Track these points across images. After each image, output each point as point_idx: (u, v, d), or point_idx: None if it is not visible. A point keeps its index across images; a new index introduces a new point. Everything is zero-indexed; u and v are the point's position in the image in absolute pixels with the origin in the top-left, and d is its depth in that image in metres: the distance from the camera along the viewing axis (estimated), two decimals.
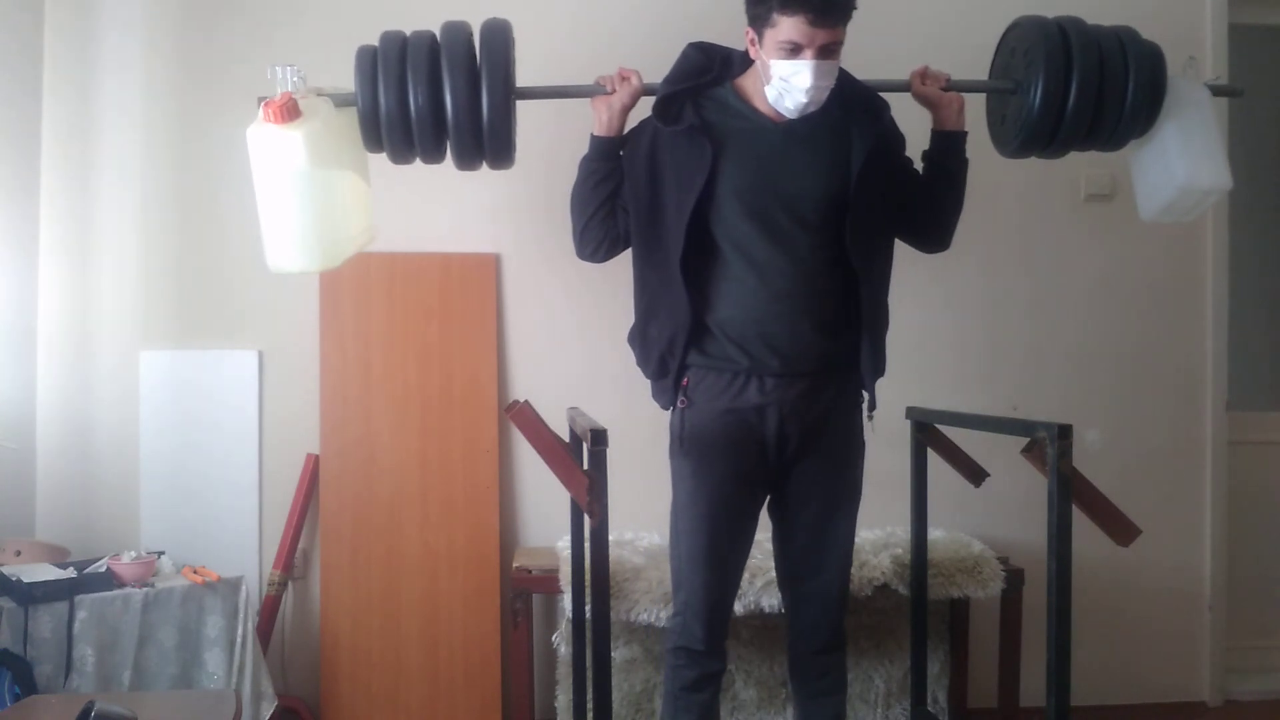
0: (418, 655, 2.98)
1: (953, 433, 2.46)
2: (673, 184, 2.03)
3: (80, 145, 3.02)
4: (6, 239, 2.86)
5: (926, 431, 2.48)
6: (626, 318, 3.05)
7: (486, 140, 2.05)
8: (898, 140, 2.15)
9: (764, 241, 2.01)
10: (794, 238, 2.02)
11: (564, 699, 2.74)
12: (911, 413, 2.52)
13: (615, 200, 2.11)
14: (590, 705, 2.03)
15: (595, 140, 2.11)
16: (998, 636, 2.81)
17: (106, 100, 3.03)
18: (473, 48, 2.04)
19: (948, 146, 2.13)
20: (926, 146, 2.17)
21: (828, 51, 1.94)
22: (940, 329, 3.11)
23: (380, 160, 3.11)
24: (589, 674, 2.03)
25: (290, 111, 1.92)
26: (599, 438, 1.90)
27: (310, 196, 1.98)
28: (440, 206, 3.09)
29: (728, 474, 2.07)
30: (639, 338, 2.16)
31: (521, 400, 2.03)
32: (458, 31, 2.05)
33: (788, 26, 1.91)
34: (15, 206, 2.90)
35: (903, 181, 2.14)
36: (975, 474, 2.45)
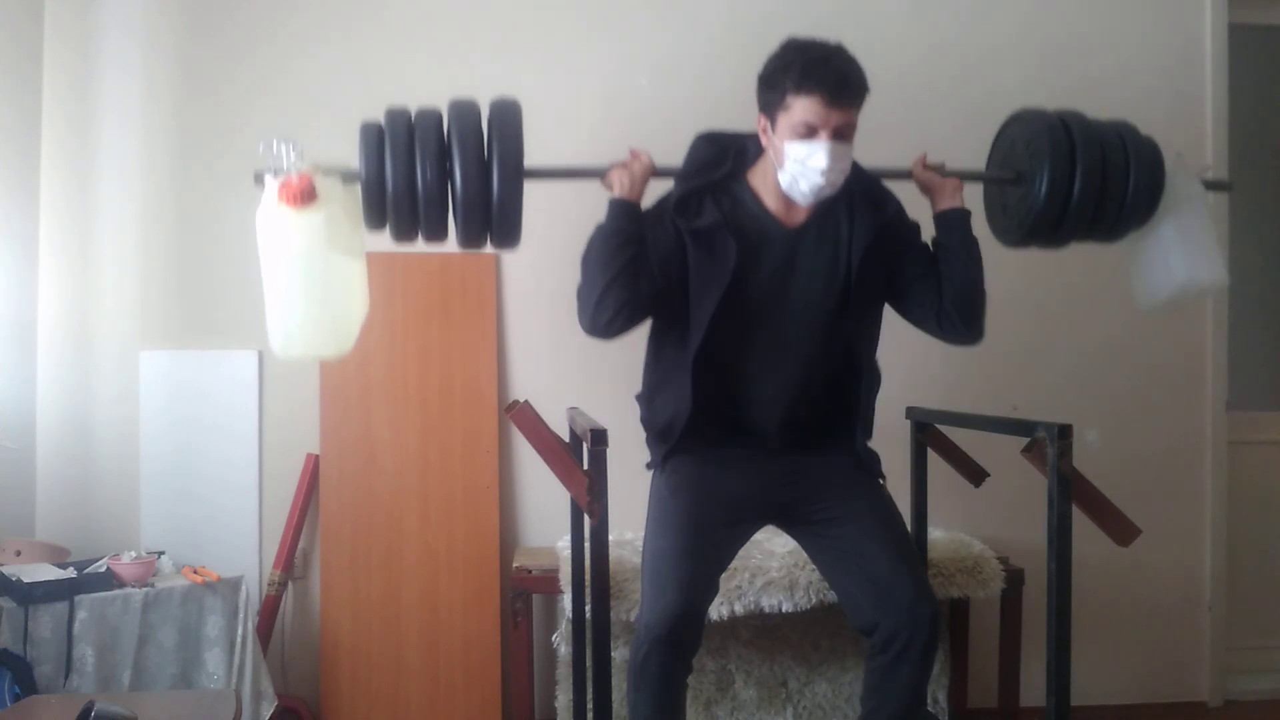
0: (418, 655, 2.98)
1: (953, 433, 2.46)
2: (696, 278, 2.03)
3: (80, 145, 3.02)
4: (6, 239, 2.86)
5: (926, 431, 2.48)
6: None
7: (495, 220, 2.01)
8: (907, 230, 2.13)
9: (771, 347, 2.07)
10: (800, 341, 2.08)
11: (564, 699, 2.74)
12: (911, 413, 2.52)
13: (639, 264, 2.00)
14: (590, 705, 2.03)
15: (618, 203, 2.04)
16: (998, 636, 2.81)
17: (106, 100, 3.03)
18: (480, 126, 2.00)
19: (948, 224, 2.11)
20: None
21: (842, 134, 1.94)
22: None
23: None
24: (589, 674, 2.03)
25: (309, 195, 1.88)
26: (599, 438, 1.90)
27: (323, 281, 1.94)
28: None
29: (716, 492, 2.08)
30: (646, 402, 2.20)
31: (521, 400, 2.03)
32: (467, 109, 2.01)
33: (802, 107, 1.92)
34: (15, 206, 2.90)
35: (919, 273, 2.11)
36: (975, 474, 2.45)
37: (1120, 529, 2.02)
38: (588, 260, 2.02)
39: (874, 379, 2.16)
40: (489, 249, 2.12)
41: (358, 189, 2.00)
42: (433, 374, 3.03)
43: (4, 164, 2.85)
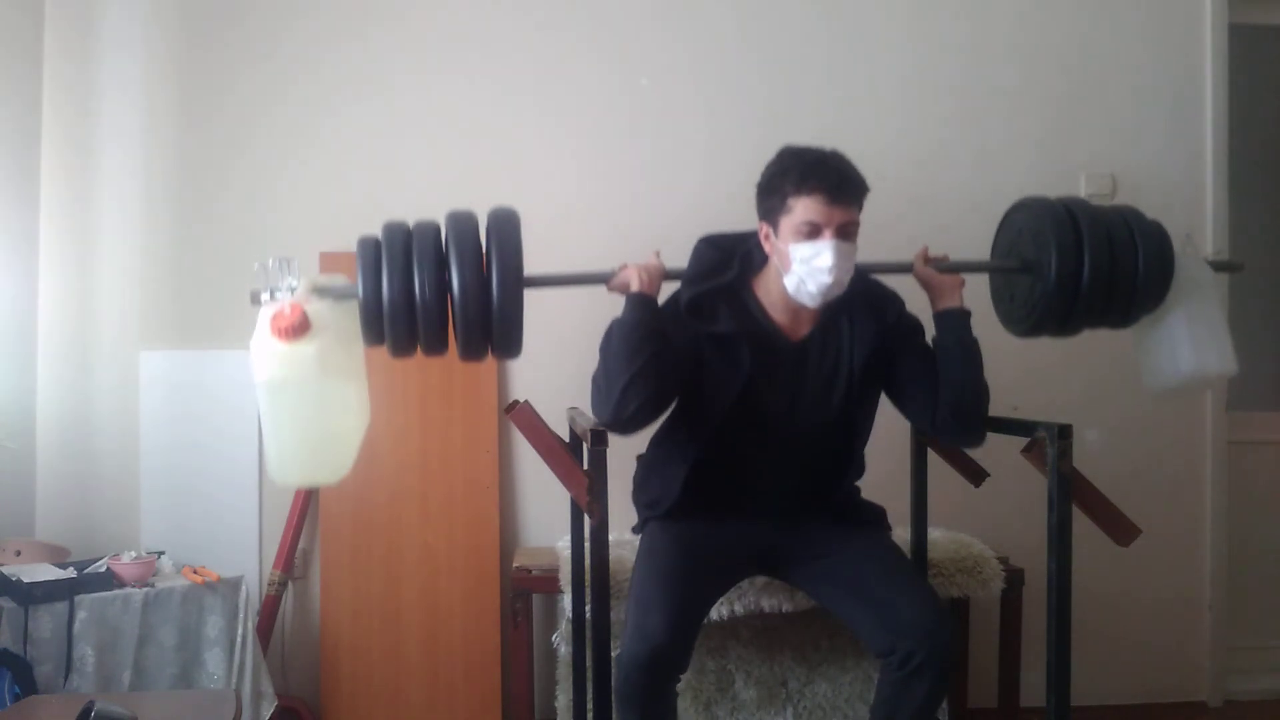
0: (418, 655, 2.98)
1: None
2: (709, 381, 2.05)
3: (80, 145, 3.02)
4: (6, 239, 2.86)
5: (927, 432, 2.48)
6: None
7: (496, 331, 1.97)
8: (908, 330, 2.14)
9: (769, 447, 2.11)
10: (798, 442, 2.12)
11: (564, 699, 2.74)
12: None
13: (662, 359, 1.97)
14: (590, 705, 2.03)
15: (638, 296, 2.01)
16: (998, 636, 2.81)
17: (106, 100, 3.03)
18: (479, 237, 1.97)
19: (947, 325, 2.10)
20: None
21: (846, 233, 1.95)
22: None
23: (380, 153, 3.14)
24: (589, 674, 2.03)
25: (301, 329, 1.85)
26: (599, 438, 1.91)
27: (318, 410, 1.92)
28: (440, 206, 3.08)
29: (704, 540, 2.10)
30: (641, 476, 2.25)
31: (521, 400, 2.03)
32: (465, 221, 1.98)
33: (804, 207, 1.93)
34: (15, 207, 2.90)
35: (917, 373, 2.11)
36: (975, 474, 2.45)
37: (1120, 529, 2.02)
38: (608, 352, 1.98)
39: (858, 471, 2.24)
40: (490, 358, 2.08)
41: (355, 305, 1.96)
42: (433, 374, 3.02)
43: (4, 165, 2.85)
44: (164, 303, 3.05)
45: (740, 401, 2.05)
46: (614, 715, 1.95)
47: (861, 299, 2.08)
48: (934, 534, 2.67)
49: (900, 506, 2.50)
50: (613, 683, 1.93)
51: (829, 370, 2.09)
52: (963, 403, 2.06)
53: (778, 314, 2.07)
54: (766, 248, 2.05)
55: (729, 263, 2.09)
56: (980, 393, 2.08)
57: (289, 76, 3.07)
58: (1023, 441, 1.98)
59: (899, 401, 2.17)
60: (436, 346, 1.99)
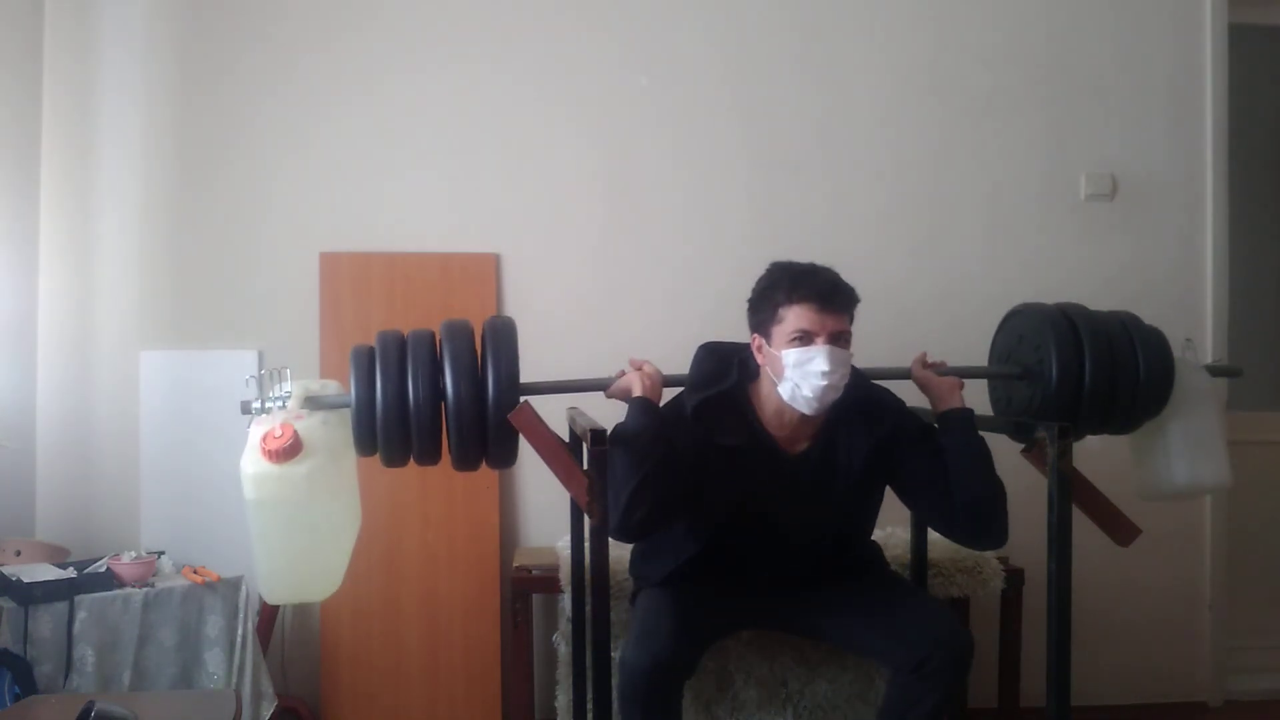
0: (418, 655, 2.98)
1: None
2: (712, 490, 2.03)
3: (80, 145, 3.02)
4: (6, 239, 2.86)
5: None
6: (627, 317, 3.07)
7: (491, 440, 1.96)
8: (911, 437, 2.09)
9: (767, 548, 2.11)
10: (797, 543, 2.11)
11: (564, 699, 2.74)
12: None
13: (668, 463, 1.93)
14: (590, 705, 2.03)
15: (641, 401, 1.99)
16: (998, 636, 2.81)
17: (106, 100, 3.03)
18: (474, 347, 1.96)
19: (949, 427, 2.08)
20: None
21: (838, 339, 1.95)
22: None
23: (381, 151, 3.13)
24: (589, 674, 2.03)
25: (293, 451, 1.85)
26: (599, 438, 1.90)
27: (309, 527, 1.92)
28: (440, 206, 3.09)
29: (708, 593, 2.09)
30: (640, 555, 2.23)
31: (521, 400, 2.03)
32: (460, 330, 1.97)
33: (795, 316, 1.94)
34: (15, 206, 2.90)
35: (925, 479, 2.06)
36: None
37: (1120, 529, 2.03)
38: (613, 459, 1.93)
39: (863, 549, 2.24)
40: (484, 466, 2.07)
41: (347, 414, 1.95)
42: None
43: (4, 164, 2.85)
44: (164, 303, 3.05)
45: (739, 508, 2.05)
46: (614, 715, 1.95)
47: (857, 409, 2.06)
48: (934, 534, 2.67)
49: (900, 506, 2.50)
50: (613, 683, 1.94)
51: (826, 482, 2.07)
52: (978, 503, 2.00)
53: (774, 428, 2.06)
54: (760, 359, 2.03)
55: (728, 371, 2.08)
56: (994, 490, 2.01)
57: (289, 76, 3.07)
58: (1023, 442, 1.98)
59: (913, 505, 2.16)
60: (430, 455, 2.00)
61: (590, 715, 2.06)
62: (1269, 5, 3.40)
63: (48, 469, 2.98)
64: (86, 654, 2.44)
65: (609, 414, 2.12)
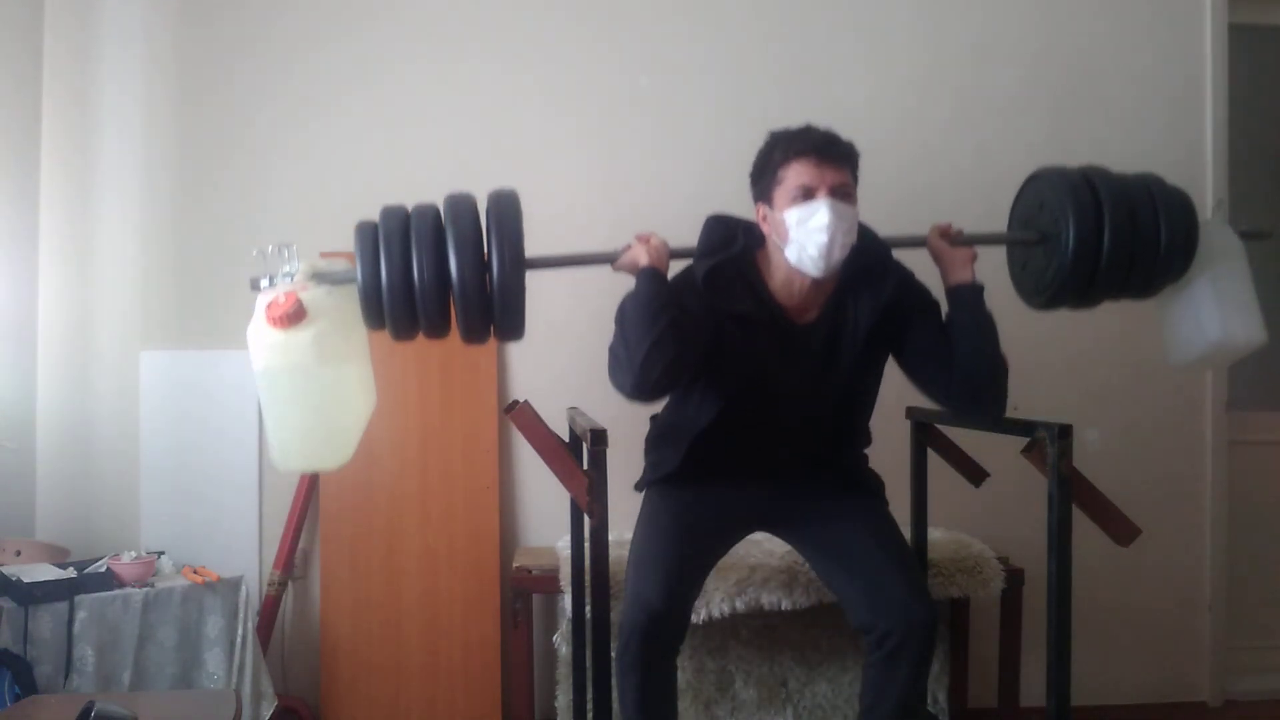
0: (418, 655, 2.98)
1: (953, 433, 2.45)
2: (724, 357, 2.04)
3: (80, 145, 3.02)
4: (6, 239, 2.86)
5: (926, 431, 2.48)
6: None
7: (498, 314, 1.95)
8: (913, 302, 2.10)
9: (775, 419, 2.12)
10: (803, 415, 2.14)
11: (564, 699, 2.74)
12: (911, 413, 2.52)
13: (679, 328, 1.94)
14: (590, 705, 2.03)
15: (649, 270, 1.98)
16: (998, 636, 2.81)
17: (106, 100, 3.03)
18: (478, 219, 1.94)
19: (959, 301, 2.08)
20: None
21: (840, 193, 1.95)
22: None
23: (382, 149, 3.14)
24: (589, 674, 2.03)
25: (296, 316, 1.84)
26: (599, 438, 1.90)
27: (319, 394, 1.90)
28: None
29: (705, 497, 2.12)
30: (653, 436, 2.26)
31: (521, 400, 2.03)
32: (463, 203, 1.96)
33: (795, 173, 1.95)
34: (15, 206, 2.90)
35: (928, 348, 2.07)
36: (975, 474, 2.45)
37: (1120, 529, 2.02)
38: (625, 323, 1.96)
39: (864, 440, 2.25)
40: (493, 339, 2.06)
41: (355, 289, 1.94)
42: (432, 374, 3.02)
43: (4, 164, 2.86)
44: (164, 303, 3.05)
45: (750, 378, 2.06)
46: (614, 684, 1.96)
47: (863, 275, 2.07)
48: (934, 534, 2.67)
49: (900, 507, 2.50)
50: (613, 652, 1.95)
51: (834, 351, 2.09)
52: (978, 377, 2.03)
53: (783, 297, 2.07)
54: (765, 229, 2.05)
55: (735, 237, 2.09)
56: (997, 366, 2.04)
57: (289, 77, 3.06)
58: (1023, 441, 1.98)
59: (912, 375, 2.15)
60: (438, 329, 1.97)
61: (590, 715, 2.06)
62: (1269, 5, 3.40)
63: (48, 469, 2.98)
64: (86, 654, 2.44)
65: (609, 414, 2.13)
